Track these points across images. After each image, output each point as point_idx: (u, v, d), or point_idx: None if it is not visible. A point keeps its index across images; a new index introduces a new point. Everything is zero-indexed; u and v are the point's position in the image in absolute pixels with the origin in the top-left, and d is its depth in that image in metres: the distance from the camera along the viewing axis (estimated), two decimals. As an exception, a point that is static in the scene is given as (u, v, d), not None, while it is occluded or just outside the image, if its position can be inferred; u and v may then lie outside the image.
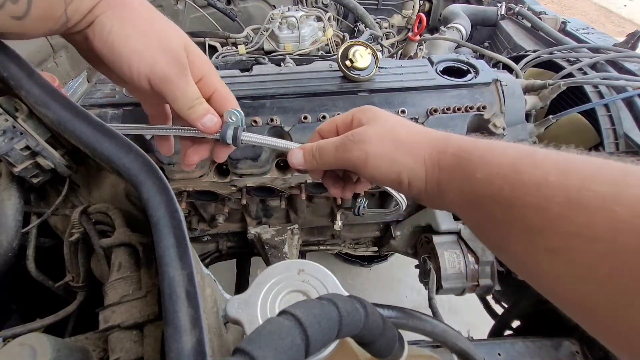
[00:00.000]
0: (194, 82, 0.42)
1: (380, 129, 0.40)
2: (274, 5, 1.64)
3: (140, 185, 0.32)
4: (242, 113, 0.45)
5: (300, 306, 0.30)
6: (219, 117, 0.44)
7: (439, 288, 0.91)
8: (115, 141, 0.35)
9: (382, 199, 1.03)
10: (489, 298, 1.23)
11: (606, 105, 0.84)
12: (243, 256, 1.25)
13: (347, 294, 0.36)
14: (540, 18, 1.23)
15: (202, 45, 1.37)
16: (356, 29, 1.64)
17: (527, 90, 0.90)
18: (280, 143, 0.47)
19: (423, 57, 1.11)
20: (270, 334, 0.27)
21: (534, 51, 1.01)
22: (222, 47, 1.38)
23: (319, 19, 1.37)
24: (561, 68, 0.92)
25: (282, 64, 1.17)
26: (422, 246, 1.02)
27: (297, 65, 1.14)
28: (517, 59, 0.99)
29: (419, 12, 1.61)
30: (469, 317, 1.77)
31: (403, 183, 0.38)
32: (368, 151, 0.38)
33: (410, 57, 1.37)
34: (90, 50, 0.39)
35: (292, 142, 0.47)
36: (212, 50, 1.37)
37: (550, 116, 0.86)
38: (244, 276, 1.33)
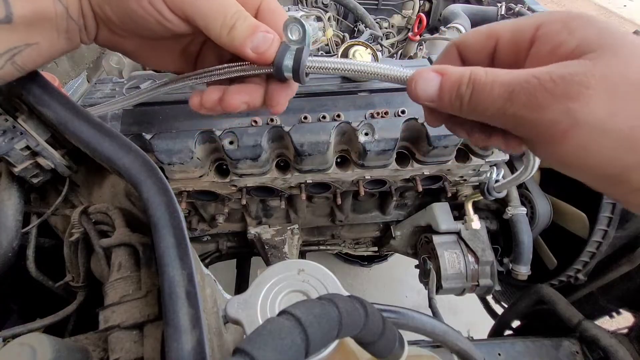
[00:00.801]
0: None
1: (621, 74, 0.21)
2: (274, 5, 1.64)
3: (140, 186, 0.32)
4: (309, 26, 0.30)
5: (300, 306, 0.29)
6: (276, 34, 0.31)
7: (439, 288, 0.91)
8: (115, 141, 0.35)
9: (382, 198, 1.03)
10: (489, 298, 1.23)
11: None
12: (243, 256, 1.25)
13: (347, 294, 0.36)
14: (540, 18, 1.22)
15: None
16: (356, 29, 1.64)
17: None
18: (374, 67, 0.30)
19: (423, 57, 1.11)
20: (270, 334, 0.27)
21: (534, 51, 1.01)
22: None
23: (319, 19, 1.37)
24: (561, 68, 0.92)
25: (282, 64, 1.16)
26: (422, 246, 1.02)
27: (297, 65, 1.14)
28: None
29: (419, 12, 1.61)
30: (469, 317, 1.77)
31: (626, 184, 0.23)
32: (579, 118, 0.22)
33: (410, 57, 1.37)
34: (116, 32, 0.34)
35: (397, 67, 0.29)
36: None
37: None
38: (244, 276, 1.33)
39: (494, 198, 0.78)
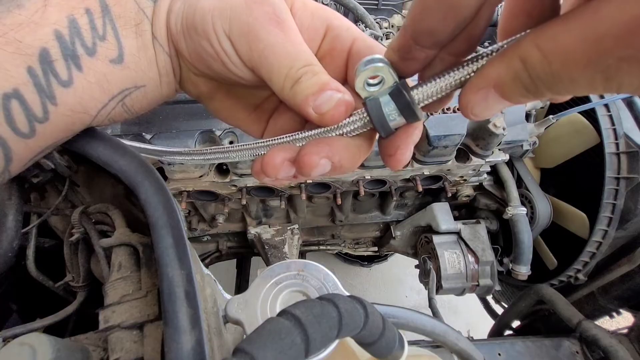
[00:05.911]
0: (301, 38, 0.27)
1: None
2: (274, 5, 1.64)
3: (137, 187, 0.32)
4: (386, 59, 0.23)
5: (300, 306, 0.29)
6: (348, 94, 0.26)
7: (439, 288, 0.91)
8: (109, 144, 0.35)
9: (382, 198, 1.04)
10: (489, 298, 1.23)
11: (606, 105, 0.84)
12: (243, 256, 1.25)
13: (347, 294, 0.36)
14: (540, 18, 1.22)
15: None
16: (356, 29, 1.64)
17: (527, 90, 0.90)
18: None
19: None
20: (270, 334, 0.27)
21: (534, 51, 1.01)
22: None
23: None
24: (561, 68, 0.92)
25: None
26: (422, 246, 1.02)
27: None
28: (517, 59, 0.99)
29: (419, 12, 1.61)
30: (469, 317, 1.77)
31: None
32: None
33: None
34: (191, 70, 0.32)
35: None
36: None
37: (550, 116, 0.86)
38: (244, 276, 1.33)
39: None
